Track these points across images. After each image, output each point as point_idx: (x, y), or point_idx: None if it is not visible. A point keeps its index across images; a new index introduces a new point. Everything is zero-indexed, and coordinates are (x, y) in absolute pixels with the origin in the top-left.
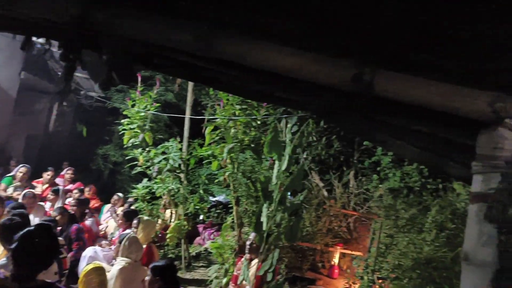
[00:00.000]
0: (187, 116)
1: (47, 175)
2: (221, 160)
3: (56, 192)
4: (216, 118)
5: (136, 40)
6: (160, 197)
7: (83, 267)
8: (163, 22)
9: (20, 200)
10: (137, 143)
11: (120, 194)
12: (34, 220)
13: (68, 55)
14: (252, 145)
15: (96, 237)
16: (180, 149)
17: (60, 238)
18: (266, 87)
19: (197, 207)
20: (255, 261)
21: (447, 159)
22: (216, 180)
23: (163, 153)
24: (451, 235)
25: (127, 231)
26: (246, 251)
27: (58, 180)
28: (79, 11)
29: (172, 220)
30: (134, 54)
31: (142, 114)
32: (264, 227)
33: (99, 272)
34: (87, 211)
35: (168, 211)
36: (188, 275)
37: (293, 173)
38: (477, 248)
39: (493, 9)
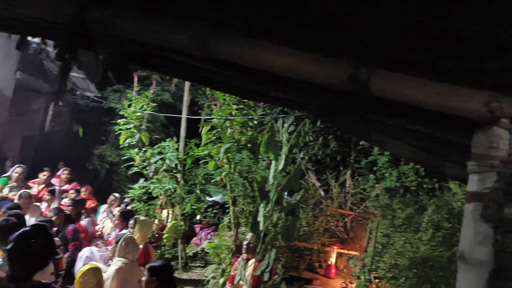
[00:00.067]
0: (184, 116)
1: (43, 176)
2: (218, 160)
3: (52, 192)
4: (213, 118)
5: (132, 40)
6: (157, 197)
7: (80, 267)
8: (160, 22)
9: (16, 201)
10: (134, 143)
11: (117, 195)
12: (30, 220)
13: (64, 54)
14: (249, 145)
15: (92, 238)
16: (177, 149)
17: (56, 239)
18: (263, 87)
19: (194, 207)
20: (252, 261)
21: (443, 159)
22: (213, 180)
23: (160, 153)
24: (447, 234)
25: (124, 231)
26: (243, 251)
27: (54, 181)
28: (75, 11)
29: (169, 220)
30: (130, 54)
31: (139, 114)
32: (261, 227)
33: (96, 272)
34: (83, 211)
35: (164, 211)
36: (185, 275)
37: (290, 173)
38: (473, 247)
39: (489, 10)
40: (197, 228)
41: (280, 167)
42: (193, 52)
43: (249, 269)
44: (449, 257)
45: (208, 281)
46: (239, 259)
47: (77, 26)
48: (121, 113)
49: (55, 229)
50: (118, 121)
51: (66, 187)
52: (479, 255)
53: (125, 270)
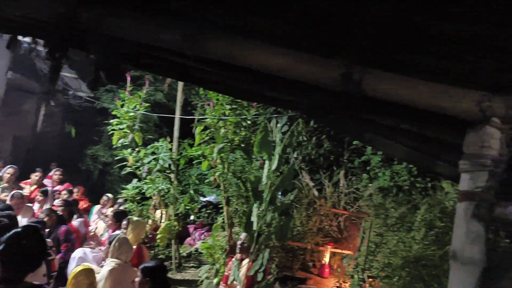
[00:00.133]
0: (177, 116)
1: (35, 176)
2: (211, 160)
3: (44, 193)
4: (206, 118)
5: (124, 40)
6: (150, 197)
7: (72, 268)
8: (151, 21)
9: (8, 202)
10: (127, 143)
11: (110, 195)
12: (22, 221)
13: (54, 54)
14: (242, 145)
15: (84, 238)
16: (170, 149)
17: (48, 240)
18: (256, 86)
19: (188, 207)
20: (246, 261)
21: (436, 158)
22: (207, 180)
23: (153, 153)
24: (440, 233)
25: (117, 232)
26: (237, 251)
27: (46, 181)
28: (66, 10)
29: (163, 220)
30: (122, 54)
31: (132, 114)
32: (255, 227)
33: (89, 273)
34: (75, 212)
35: (158, 212)
36: (178, 276)
37: (283, 173)
38: (465, 246)
39: (481, 11)
40: (190, 228)
41: (274, 167)
42: (185, 52)
43: (243, 269)
44: (441, 256)
45: (202, 281)
46: (233, 259)
47: (68, 25)
48: (114, 113)
49: (47, 230)
50: (111, 121)
51: (58, 187)
52: (471, 254)
53: (119, 271)
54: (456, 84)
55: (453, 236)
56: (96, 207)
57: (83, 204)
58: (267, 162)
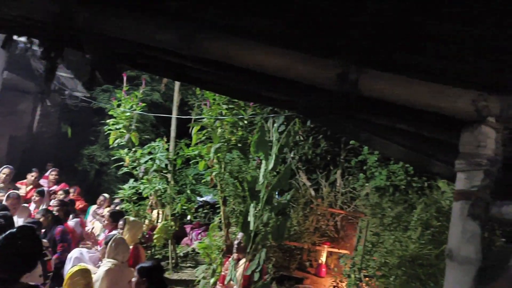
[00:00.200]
0: (174, 116)
1: (31, 176)
2: (208, 160)
3: (41, 193)
4: (203, 118)
5: (120, 39)
6: (147, 197)
7: (69, 268)
8: (148, 21)
9: (4, 202)
10: (123, 143)
11: (106, 195)
12: (18, 221)
13: (50, 53)
14: (239, 145)
15: (80, 238)
16: (167, 149)
17: (44, 240)
18: (253, 86)
19: (184, 207)
20: (243, 261)
21: (432, 158)
22: (203, 180)
23: (150, 153)
24: (436, 232)
25: (113, 232)
26: (234, 251)
27: (42, 181)
28: (61, 10)
29: (159, 220)
30: (118, 53)
31: (128, 114)
32: (251, 226)
33: (85, 274)
34: (71, 212)
35: (155, 212)
36: (175, 276)
37: (280, 173)
38: (460, 245)
39: (476, 12)
40: (187, 228)
41: (270, 166)
42: (181, 51)
43: (240, 269)
44: (438, 255)
45: (199, 281)
46: (230, 259)
47: (63, 25)
48: (110, 113)
49: (43, 230)
50: (108, 121)
51: (54, 188)
52: (467, 253)
53: (115, 271)
54: (452, 84)
55: (449, 235)
56: (93, 207)
57: (79, 204)
58: (263, 162)
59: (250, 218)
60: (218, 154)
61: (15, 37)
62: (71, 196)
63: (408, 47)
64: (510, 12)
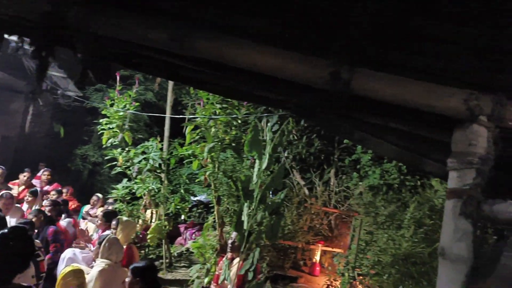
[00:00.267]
0: (168, 115)
1: (23, 177)
2: (202, 160)
3: (34, 193)
4: (197, 117)
5: (111, 38)
6: (141, 197)
7: (62, 269)
8: (139, 20)
9: None
10: (116, 143)
11: (100, 195)
12: (11, 222)
13: (41, 53)
14: (233, 144)
15: (72, 239)
16: (161, 149)
17: (37, 241)
18: (246, 86)
19: (178, 207)
20: (237, 260)
21: (425, 157)
22: (197, 180)
23: (143, 153)
24: (429, 231)
25: (107, 232)
26: (228, 250)
27: (34, 182)
28: (51, 8)
29: (153, 220)
30: (110, 53)
31: (121, 113)
32: (245, 226)
33: (78, 274)
34: (63, 211)
35: (148, 211)
36: (169, 276)
37: (274, 172)
38: (453, 243)
39: (467, 11)
40: (181, 228)
41: (264, 166)
42: (173, 51)
43: (234, 269)
44: (430, 253)
45: (193, 281)
46: (224, 258)
47: (54, 24)
48: (103, 112)
49: (36, 231)
50: (101, 120)
51: (47, 188)
52: (459, 251)
53: (109, 272)
54: (444, 83)
55: (442, 234)
56: (86, 207)
57: (72, 205)
58: (257, 161)
59: (244, 218)
60: (212, 154)
61: (6, 36)
62: (64, 196)
63: (401, 46)
64: (502, 12)
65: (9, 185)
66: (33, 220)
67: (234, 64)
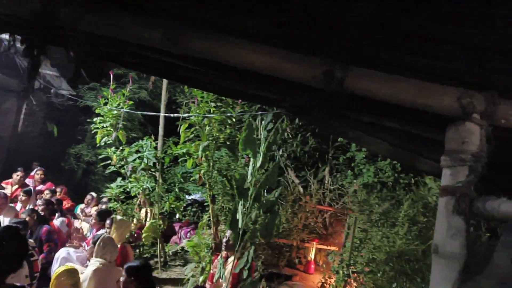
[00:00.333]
0: (162, 114)
1: (16, 176)
2: (197, 158)
3: (28, 193)
4: (191, 116)
5: (104, 37)
6: (135, 196)
7: (56, 268)
8: (132, 19)
9: None
10: (110, 142)
11: (94, 194)
12: (4, 221)
13: (32, 51)
14: (227, 143)
15: (66, 238)
16: (155, 148)
17: (30, 240)
18: (240, 85)
19: (173, 205)
20: (231, 258)
21: (419, 155)
22: (192, 179)
23: (137, 151)
24: (423, 228)
25: (101, 231)
26: (222, 249)
27: (28, 181)
28: (43, 6)
29: (148, 219)
30: (103, 51)
31: (115, 112)
32: (240, 224)
33: (72, 274)
34: (56, 211)
35: (143, 210)
36: (164, 275)
37: (268, 170)
38: (446, 240)
39: (459, 9)
40: (176, 226)
41: (259, 164)
42: (167, 50)
43: (229, 267)
44: (424, 250)
45: (188, 279)
46: (218, 257)
47: (45, 22)
48: (97, 111)
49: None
50: (94, 119)
51: (40, 187)
52: (452, 248)
53: (103, 271)
54: (437, 81)
55: (435, 231)
56: (81, 206)
57: (66, 204)
58: (252, 159)
59: (239, 216)
60: (207, 152)
61: None
62: (57, 195)
63: (394, 45)
64: (495, 11)
65: (2, 184)
66: (27, 219)
67: (229, 63)
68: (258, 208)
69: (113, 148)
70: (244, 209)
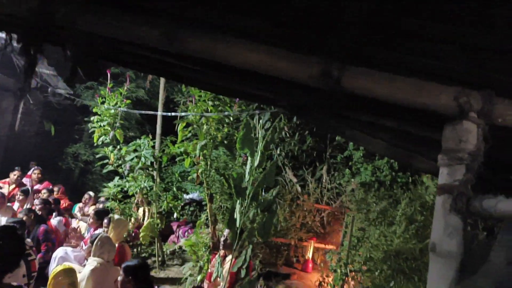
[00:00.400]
0: (159, 113)
1: (13, 175)
2: (194, 157)
3: (25, 192)
4: (189, 115)
5: (101, 36)
6: (133, 195)
7: (53, 268)
8: (128, 17)
9: None
10: (108, 141)
11: (91, 193)
12: (1, 221)
13: (29, 50)
14: (225, 142)
15: (63, 237)
16: (153, 147)
17: (28, 240)
18: (237, 84)
19: (171, 205)
20: (229, 257)
21: (416, 154)
22: (190, 178)
23: (135, 150)
24: (420, 227)
25: (99, 230)
26: (220, 248)
27: (25, 180)
28: (40, 4)
29: (145, 218)
30: (100, 50)
31: (113, 111)
32: (238, 223)
33: (69, 273)
34: (54, 210)
35: (141, 210)
36: (162, 274)
37: (266, 169)
38: (443, 239)
39: (456, 9)
40: (174, 226)
41: (256, 163)
42: (164, 49)
43: (226, 266)
44: (422, 249)
45: (186, 279)
46: (216, 256)
47: (42, 20)
48: (94, 110)
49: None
50: (92, 118)
51: (37, 186)
52: (449, 247)
53: (101, 270)
54: (434, 80)
55: (432, 229)
56: (78, 205)
57: (63, 203)
58: (249, 158)
59: (237, 215)
60: (204, 151)
61: None
62: (55, 195)
63: (392, 44)
64: (494, 11)
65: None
66: (24, 219)
67: (226, 62)
68: (256, 207)
69: (110, 147)
70: (242, 208)
